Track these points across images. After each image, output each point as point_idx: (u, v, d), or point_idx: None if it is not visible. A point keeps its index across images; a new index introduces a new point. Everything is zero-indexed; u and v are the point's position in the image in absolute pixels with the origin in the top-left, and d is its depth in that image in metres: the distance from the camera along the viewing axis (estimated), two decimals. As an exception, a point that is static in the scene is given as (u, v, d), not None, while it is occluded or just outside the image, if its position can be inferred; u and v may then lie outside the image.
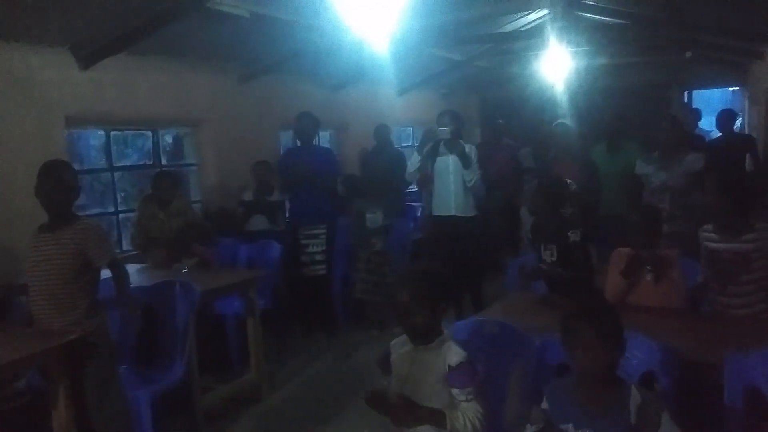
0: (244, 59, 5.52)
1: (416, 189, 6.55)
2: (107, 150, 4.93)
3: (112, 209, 4.92)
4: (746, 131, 8.21)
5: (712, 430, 2.14)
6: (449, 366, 1.88)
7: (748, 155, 6.36)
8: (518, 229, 5.63)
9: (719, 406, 2.11)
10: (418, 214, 6.33)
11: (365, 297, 4.94)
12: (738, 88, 10.74)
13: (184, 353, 3.34)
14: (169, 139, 5.92)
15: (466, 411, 1.86)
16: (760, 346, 2.08)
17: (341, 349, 4.70)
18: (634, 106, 8.17)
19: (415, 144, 8.65)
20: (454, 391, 1.88)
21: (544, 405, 1.90)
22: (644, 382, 2.15)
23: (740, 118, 8.70)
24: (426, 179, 4.95)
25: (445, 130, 4.44)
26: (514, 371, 2.41)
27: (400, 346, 2.04)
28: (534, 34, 6.88)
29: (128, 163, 5.46)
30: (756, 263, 2.72)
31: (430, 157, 4.66)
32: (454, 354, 1.90)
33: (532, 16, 7.03)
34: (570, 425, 1.77)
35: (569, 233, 3.10)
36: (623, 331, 1.83)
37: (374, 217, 4.88)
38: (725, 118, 6.27)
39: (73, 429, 2.70)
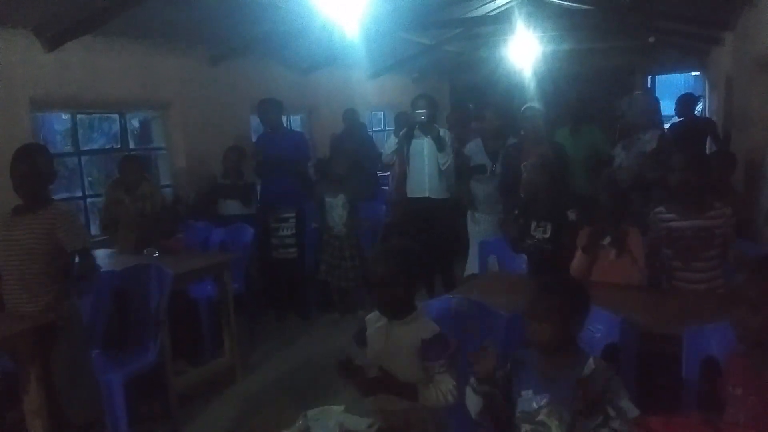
0: (213, 41, 5.45)
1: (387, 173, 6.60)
2: (74, 133, 4.84)
3: (79, 194, 4.84)
4: (707, 115, 8.46)
5: (670, 399, 2.24)
6: (422, 340, 1.92)
7: (709, 138, 6.58)
8: None
9: (677, 377, 2.22)
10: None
11: (327, 279, 5.00)
12: (699, 73, 11.04)
13: (156, 337, 3.34)
14: (135, 122, 5.84)
15: (439, 384, 1.92)
16: (716, 319, 2.19)
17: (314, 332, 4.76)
18: (599, 90, 8.34)
19: (387, 128, 8.71)
20: (427, 364, 1.93)
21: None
22: (606, 354, 2.25)
23: (701, 103, 8.96)
24: (401, 162, 5.00)
25: (421, 113, 4.49)
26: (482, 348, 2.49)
27: (375, 320, 2.08)
28: (502, 19, 6.97)
29: (95, 147, 5.38)
30: (716, 240, 2.83)
31: (405, 139, 4.71)
32: (427, 328, 1.96)
33: (500, 0, 7.10)
34: (530, 391, 1.86)
35: (569, 212, 3.17)
36: (581, 307, 1.89)
37: (333, 201, 4.92)
38: (685, 102, 6.45)
39: (44, 413, 2.70)
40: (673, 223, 2.91)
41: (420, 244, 2.20)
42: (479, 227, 4.69)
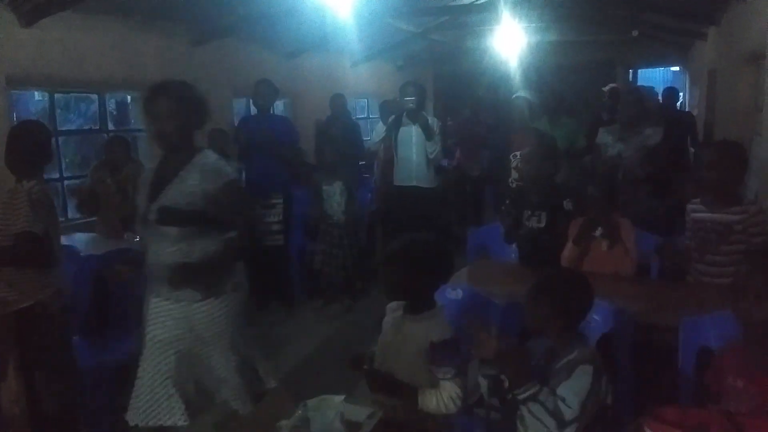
0: (196, 21, 5.31)
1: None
2: (51, 113, 4.68)
3: (56, 176, 4.69)
4: (687, 109, 8.56)
5: (666, 389, 2.24)
6: (431, 342, 1.84)
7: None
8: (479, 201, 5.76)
9: (673, 367, 2.22)
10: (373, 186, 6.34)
11: (324, 268, 4.93)
12: (678, 68, 11.16)
13: (139, 324, 3.24)
14: (112, 103, 5.68)
15: (442, 391, 1.84)
16: (713, 310, 2.19)
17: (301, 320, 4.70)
18: (581, 83, 8.38)
19: (371, 116, 8.64)
20: (433, 368, 1.85)
21: None
22: (601, 345, 2.24)
23: (680, 97, 9.07)
24: (388, 150, 4.95)
25: (411, 101, 4.45)
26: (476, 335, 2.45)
27: (393, 309, 2.01)
28: (488, 8, 6.92)
29: (72, 128, 5.22)
30: (735, 236, 2.74)
31: (393, 127, 4.66)
32: (438, 331, 1.86)
33: (488, -12, 7.05)
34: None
35: (564, 201, 3.14)
36: (574, 300, 1.90)
37: (331, 189, 4.84)
38: (670, 95, 6.53)
39: (22, 402, 2.60)
40: (697, 215, 2.90)
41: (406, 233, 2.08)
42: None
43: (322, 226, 4.91)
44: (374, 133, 5.00)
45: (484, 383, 1.86)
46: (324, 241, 4.89)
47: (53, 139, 4.56)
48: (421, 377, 1.87)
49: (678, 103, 8.09)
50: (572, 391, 1.72)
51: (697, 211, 2.90)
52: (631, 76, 10.43)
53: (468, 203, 6.40)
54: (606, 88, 7.28)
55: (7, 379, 2.58)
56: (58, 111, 4.88)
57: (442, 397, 1.83)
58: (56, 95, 4.72)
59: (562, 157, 3.41)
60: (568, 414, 1.70)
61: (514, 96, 4.57)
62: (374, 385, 1.91)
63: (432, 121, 4.60)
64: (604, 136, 4.02)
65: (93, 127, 5.13)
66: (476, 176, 6.33)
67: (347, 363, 1.95)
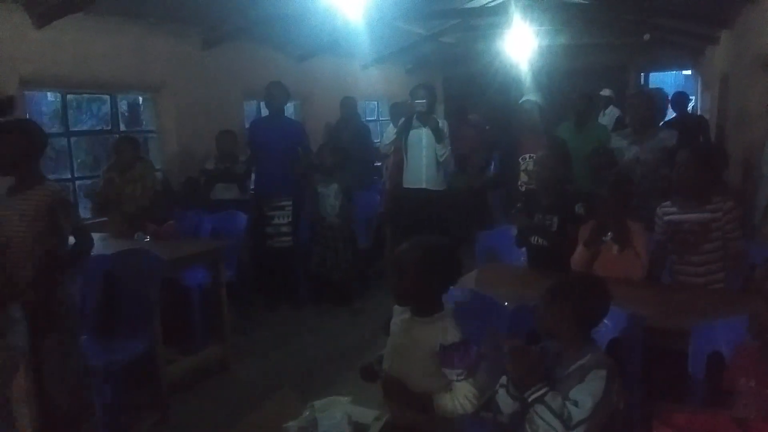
0: (207, 24, 5.34)
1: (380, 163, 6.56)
2: (63, 114, 4.72)
3: (68, 176, 4.72)
4: (699, 113, 8.49)
5: (676, 395, 2.23)
6: (441, 345, 1.83)
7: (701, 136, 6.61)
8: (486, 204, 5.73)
9: (683, 373, 2.20)
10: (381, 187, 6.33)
11: (320, 269, 4.93)
12: (690, 72, 11.09)
13: (148, 324, 3.27)
14: (124, 105, 5.72)
15: (458, 392, 1.83)
16: (724, 315, 2.17)
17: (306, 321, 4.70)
18: (593, 87, 8.33)
19: (381, 118, 8.64)
20: (445, 370, 1.84)
21: None
22: (610, 349, 2.22)
23: (692, 101, 9.01)
24: (397, 153, 4.95)
25: (421, 103, 4.45)
26: (486, 339, 2.45)
27: (400, 311, 2.00)
28: (499, 11, 6.91)
29: (84, 129, 5.26)
30: (714, 233, 2.86)
31: (403, 129, 4.66)
32: (448, 333, 1.85)
33: (498, -8, 7.06)
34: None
35: (576, 206, 3.13)
36: (592, 305, 1.88)
37: (326, 191, 4.85)
38: (680, 100, 6.48)
39: (32, 400, 2.62)
40: (672, 216, 2.96)
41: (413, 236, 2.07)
42: None
43: (316, 228, 4.92)
44: (384, 135, 5.01)
45: (510, 403, 1.86)
46: (318, 243, 4.90)
47: (67, 140, 4.69)
48: (432, 379, 1.87)
49: (690, 107, 8.05)
50: (585, 394, 1.71)
51: (670, 213, 2.97)
52: (642, 79, 10.37)
53: (469, 205, 6.34)
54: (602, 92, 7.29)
55: (18, 377, 2.59)
56: (70, 112, 4.92)
57: (458, 398, 1.83)
58: (68, 96, 4.77)
59: (571, 161, 3.38)
60: (577, 415, 1.69)
61: (522, 99, 4.55)
62: (390, 394, 1.90)
63: (442, 123, 4.60)
64: (617, 141, 4.00)
65: (105, 128, 5.17)
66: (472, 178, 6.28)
67: (360, 372, 1.94)
